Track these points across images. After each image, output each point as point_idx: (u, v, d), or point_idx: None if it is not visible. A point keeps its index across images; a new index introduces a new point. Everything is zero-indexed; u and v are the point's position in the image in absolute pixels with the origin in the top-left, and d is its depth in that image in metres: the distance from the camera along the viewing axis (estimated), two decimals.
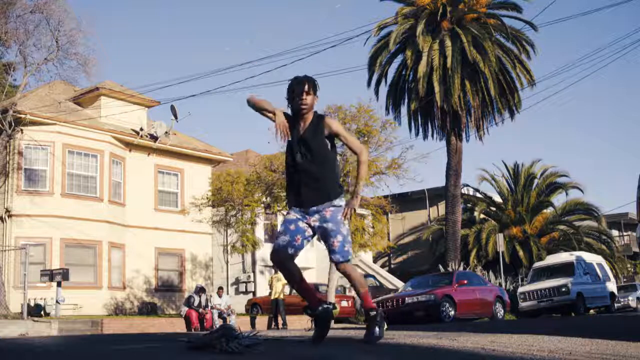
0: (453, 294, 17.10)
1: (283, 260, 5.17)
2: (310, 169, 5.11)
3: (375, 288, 26.34)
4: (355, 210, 5.27)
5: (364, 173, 5.31)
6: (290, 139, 5.23)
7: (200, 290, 19.93)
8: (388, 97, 29.69)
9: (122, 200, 25.15)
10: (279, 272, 20.16)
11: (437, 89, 27.08)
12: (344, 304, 23.08)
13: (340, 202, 5.16)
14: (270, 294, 20.22)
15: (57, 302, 19.64)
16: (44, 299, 20.84)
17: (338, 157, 21.15)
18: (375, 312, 5.18)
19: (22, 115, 21.66)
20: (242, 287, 30.85)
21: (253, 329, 18.25)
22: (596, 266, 23.49)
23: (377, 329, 5.16)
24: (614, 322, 10.13)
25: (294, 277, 5.23)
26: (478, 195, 37.27)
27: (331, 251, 5.10)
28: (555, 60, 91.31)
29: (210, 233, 27.79)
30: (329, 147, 5.22)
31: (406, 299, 17.18)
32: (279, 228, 5.58)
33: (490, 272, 28.64)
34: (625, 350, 4.46)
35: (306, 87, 5.17)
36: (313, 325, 5.55)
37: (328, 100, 37.93)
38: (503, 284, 26.15)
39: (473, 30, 27.35)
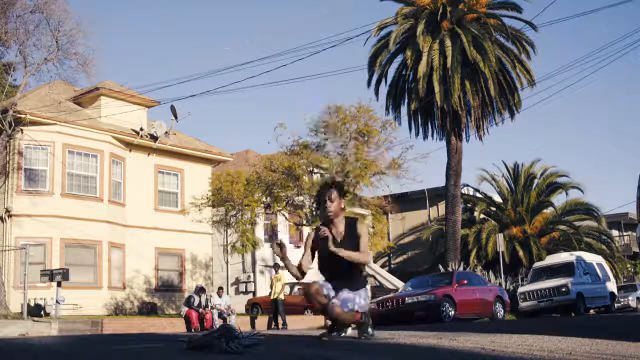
0: (453, 294, 17.09)
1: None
2: (346, 273, 5.53)
3: (375, 288, 26.32)
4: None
5: (353, 255, 5.52)
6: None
7: (200, 290, 19.93)
8: (388, 97, 29.71)
9: (122, 200, 25.14)
10: (279, 272, 20.27)
11: (437, 89, 27.09)
12: None
13: (364, 289, 5.65)
14: (270, 294, 20.22)
15: (57, 302, 19.63)
16: (44, 299, 20.83)
17: (338, 157, 21.20)
18: (363, 320, 5.63)
19: (22, 115, 21.66)
20: (242, 287, 30.84)
21: (253, 329, 18.26)
22: (596, 266, 23.49)
23: (369, 329, 5.66)
24: (614, 322, 10.13)
25: None
26: (478, 195, 37.26)
27: (336, 296, 5.50)
28: (555, 60, 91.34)
29: (210, 233, 27.78)
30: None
31: (406, 299, 17.17)
32: None
33: (490, 272, 28.62)
34: (626, 350, 4.46)
35: (332, 195, 5.49)
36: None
37: (328, 100, 37.90)
38: (503, 284, 26.14)
39: (473, 30, 27.36)
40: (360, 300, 5.55)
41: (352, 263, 5.53)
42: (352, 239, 5.50)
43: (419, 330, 7.86)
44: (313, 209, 5.60)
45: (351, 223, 5.60)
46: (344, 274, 5.55)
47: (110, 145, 24.68)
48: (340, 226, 5.55)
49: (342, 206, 5.55)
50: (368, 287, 5.77)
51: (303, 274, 5.63)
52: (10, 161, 22.36)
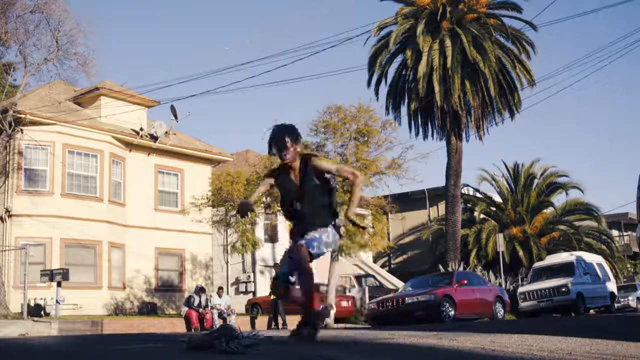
0: (453, 294, 17.10)
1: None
2: (307, 213, 5.47)
3: (375, 288, 26.34)
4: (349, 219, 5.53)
5: (357, 197, 5.54)
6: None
7: (200, 290, 19.93)
8: (388, 97, 29.70)
9: (122, 200, 25.14)
10: None
11: (437, 89, 27.09)
12: (344, 304, 23.08)
13: (332, 227, 5.50)
14: (270, 294, 20.21)
15: (57, 302, 19.64)
16: (44, 299, 20.83)
17: (338, 158, 21.18)
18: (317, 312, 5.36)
19: (22, 115, 21.66)
20: (242, 287, 30.84)
21: (253, 329, 18.26)
22: (596, 266, 23.49)
23: (315, 330, 5.32)
24: (614, 322, 10.13)
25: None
26: (478, 195, 37.26)
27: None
28: (555, 60, 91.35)
29: (210, 233, 27.78)
30: (321, 183, 5.49)
31: (406, 299, 17.18)
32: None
33: (490, 272, 28.63)
34: (626, 350, 4.46)
35: (287, 142, 5.40)
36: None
37: (328, 100, 37.90)
38: (503, 284, 26.15)
39: (473, 30, 27.37)
40: (327, 237, 5.44)
41: (318, 201, 5.49)
42: (311, 176, 5.47)
43: (419, 330, 7.85)
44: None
45: (305, 160, 5.53)
46: (312, 219, 5.49)
47: (110, 145, 24.68)
48: (296, 169, 5.54)
49: (297, 150, 5.50)
50: (333, 227, 5.52)
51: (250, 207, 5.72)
52: (10, 161, 22.36)
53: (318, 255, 5.44)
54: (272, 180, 5.69)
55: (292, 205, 5.52)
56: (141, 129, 25.76)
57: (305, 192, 5.46)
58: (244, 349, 4.56)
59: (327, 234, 5.45)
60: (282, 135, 5.41)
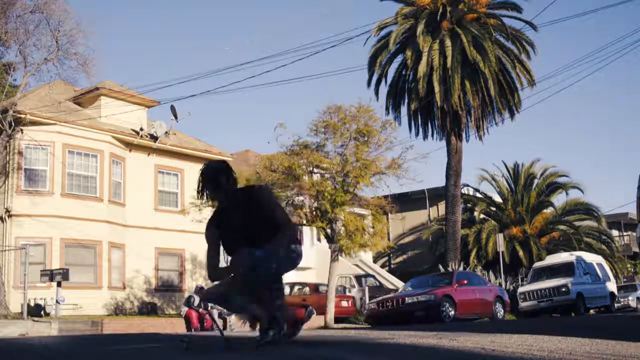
0: (453, 294, 17.10)
1: None
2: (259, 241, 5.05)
3: (375, 288, 26.33)
4: None
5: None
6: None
7: (200, 290, 19.92)
8: (388, 97, 29.70)
9: (122, 200, 25.14)
10: None
11: (437, 89, 27.09)
12: (344, 304, 23.07)
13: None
14: None
15: (57, 302, 19.63)
16: (44, 299, 20.83)
17: (338, 157, 21.10)
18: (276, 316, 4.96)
19: (22, 115, 21.66)
20: None
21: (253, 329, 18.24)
22: (596, 266, 23.50)
23: (270, 332, 4.91)
24: (614, 322, 10.13)
25: None
26: (478, 195, 37.26)
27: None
28: (555, 60, 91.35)
29: None
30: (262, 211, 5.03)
31: (406, 299, 17.19)
32: None
33: (490, 272, 28.62)
34: (626, 350, 4.46)
35: (220, 180, 4.94)
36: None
37: (328, 100, 37.93)
38: (503, 284, 26.15)
39: (473, 30, 27.37)
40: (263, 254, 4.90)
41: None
42: (250, 214, 5.04)
43: (419, 330, 7.85)
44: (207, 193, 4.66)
45: (244, 196, 5.10)
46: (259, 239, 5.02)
47: (110, 145, 24.68)
48: (239, 204, 5.14)
49: (235, 182, 5.10)
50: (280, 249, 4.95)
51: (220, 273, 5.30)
52: (10, 161, 22.36)
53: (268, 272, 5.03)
54: (217, 232, 5.14)
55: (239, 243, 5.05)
56: (141, 129, 25.76)
57: (254, 230, 5.03)
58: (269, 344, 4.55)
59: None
60: (214, 175, 4.95)
